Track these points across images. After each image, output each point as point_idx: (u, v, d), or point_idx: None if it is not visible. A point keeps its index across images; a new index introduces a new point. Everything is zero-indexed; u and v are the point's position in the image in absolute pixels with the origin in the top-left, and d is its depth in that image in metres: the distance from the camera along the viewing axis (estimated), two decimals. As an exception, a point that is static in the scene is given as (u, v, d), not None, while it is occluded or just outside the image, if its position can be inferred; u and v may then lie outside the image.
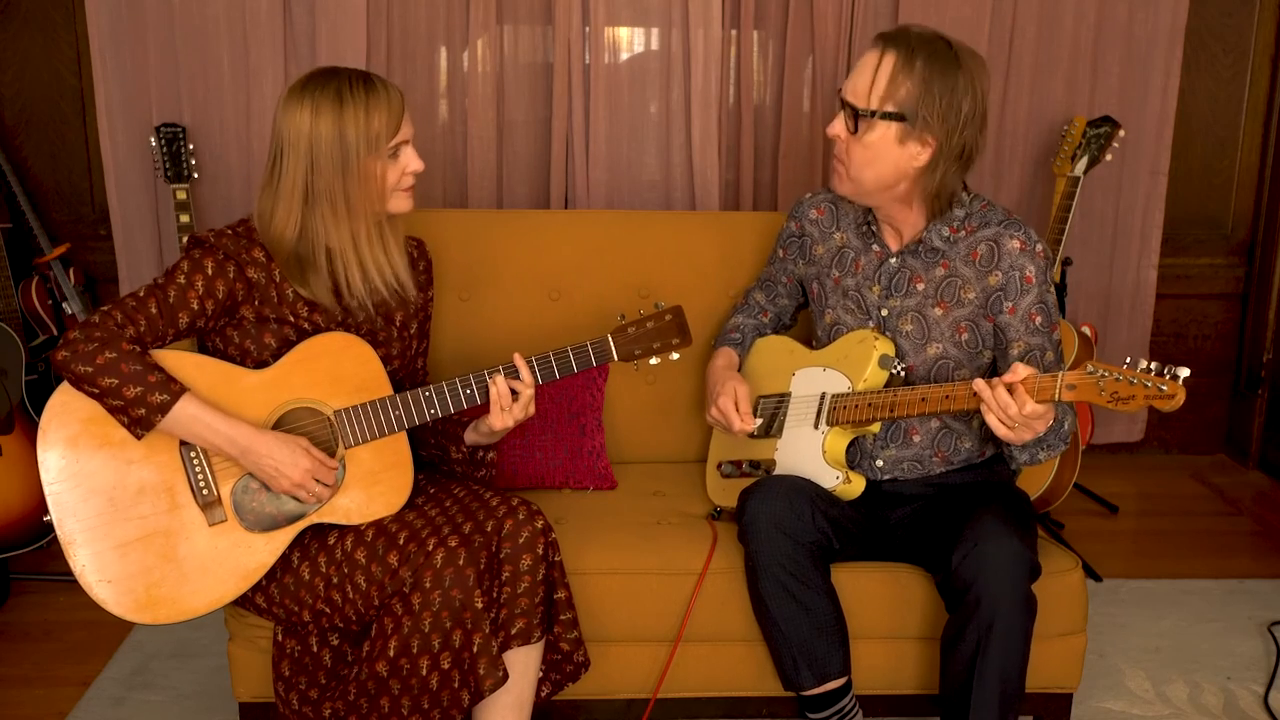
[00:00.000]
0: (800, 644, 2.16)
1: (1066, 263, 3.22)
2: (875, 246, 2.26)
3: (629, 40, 3.34)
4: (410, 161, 2.06)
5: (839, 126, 2.14)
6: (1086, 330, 3.13)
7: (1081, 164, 3.16)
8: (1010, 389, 1.94)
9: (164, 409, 1.92)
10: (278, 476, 1.99)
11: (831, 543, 2.17)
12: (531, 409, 2.12)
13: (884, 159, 2.10)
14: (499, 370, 2.10)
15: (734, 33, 3.31)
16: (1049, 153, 3.39)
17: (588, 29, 3.24)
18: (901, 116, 2.06)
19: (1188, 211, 3.72)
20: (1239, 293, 3.83)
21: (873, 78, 2.07)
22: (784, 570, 2.13)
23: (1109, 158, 3.18)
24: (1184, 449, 3.94)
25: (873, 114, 2.07)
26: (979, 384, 1.97)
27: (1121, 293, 3.59)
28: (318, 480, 2.02)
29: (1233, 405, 3.90)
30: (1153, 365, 1.82)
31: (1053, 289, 2.15)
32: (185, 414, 1.94)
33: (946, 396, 2.07)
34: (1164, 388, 1.80)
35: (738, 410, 2.27)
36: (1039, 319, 2.14)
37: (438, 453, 2.27)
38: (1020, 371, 1.94)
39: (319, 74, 2.03)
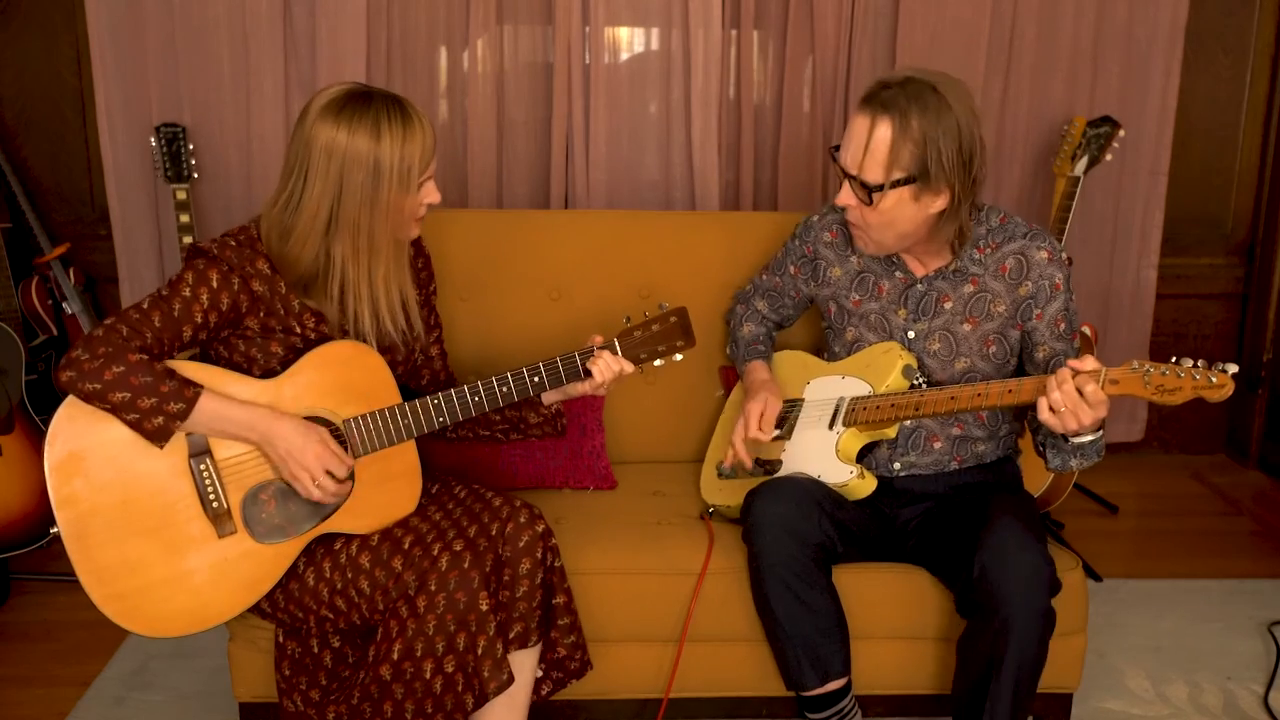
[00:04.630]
0: (804, 644, 2.16)
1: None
2: (899, 273, 2.26)
3: (629, 40, 3.34)
4: (429, 194, 2.03)
5: (849, 197, 2.11)
6: (1086, 330, 3.13)
7: (1081, 164, 3.16)
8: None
9: (182, 416, 1.90)
10: (289, 460, 1.96)
11: (835, 545, 2.18)
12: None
13: (902, 219, 2.10)
14: (593, 351, 2.12)
15: (734, 33, 3.31)
16: (1049, 153, 3.39)
17: (588, 29, 3.24)
18: (911, 179, 2.05)
19: (1188, 211, 3.72)
20: (1239, 293, 3.83)
21: (869, 148, 2.04)
22: (789, 571, 2.13)
23: (1109, 158, 3.18)
24: (1184, 449, 3.94)
25: (882, 187, 2.06)
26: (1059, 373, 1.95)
27: (1121, 293, 3.59)
28: (330, 473, 1.98)
29: (1233, 405, 3.90)
30: (1199, 362, 1.84)
31: (1074, 296, 2.17)
32: (204, 414, 1.92)
33: (979, 394, 2.07)
34: (1214, 379, 1.83)
35: (763, 417, 2.28)
36: (1063, 325, 2.16)
37: (505, 426, 2.25)
38: (1089, 362, 1.93)
39: (354, 99, 1.95)
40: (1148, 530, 3.41)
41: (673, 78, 3.29)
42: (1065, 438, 2.03)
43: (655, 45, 3.33)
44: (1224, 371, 1.83)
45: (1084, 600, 2.29)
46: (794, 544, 2.12)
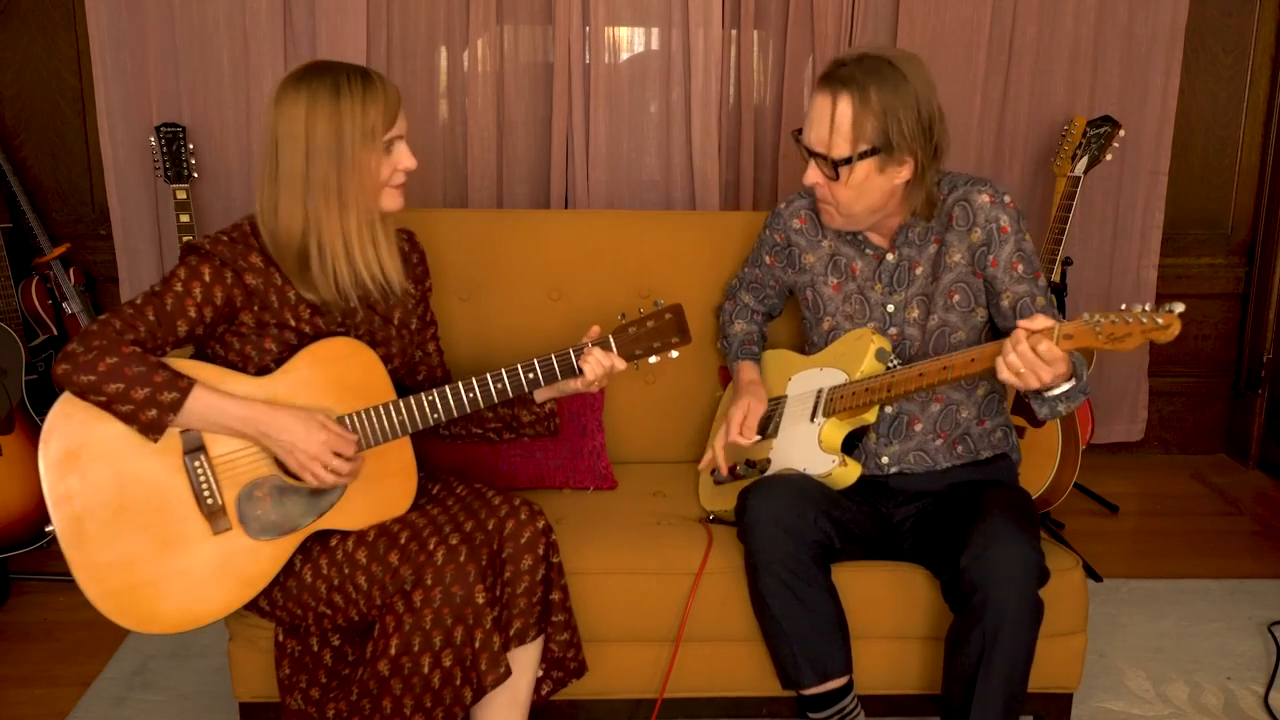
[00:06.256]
0: (801, 642, 2.16)
1: (1066, 263, 3.22)
2: (868, 250, 2.29)
3: (629, 40, 3.34)
4: (403, 158, 2.04)
5: (816, 175, 2.17)
6: (1086, 330, 3.13)
7: (1081, 164, 3.16)
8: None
9: (175, 407, 1.90)
10: (295, 450, 1.96)
11: (833, 543, 2.18)
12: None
13: (871, 190, 2.15)
14: (586, 348, 2.11)
15: (734, 33, 3.31)
16: (1049, 153, 3.39)
17: (588, 29, 3.24)
18: (876, 150, 2.10)
19: (1188, 211, 3.73)
20: (1239, 293, 3.84)
21: (834, 124, 2.10)
22: (785, 568, 2.13)
23: (1109, 158, 3.18)
24: (1184, 449, 3.94)
25: (849, 160, 2.11)
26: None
27: (1121, 293, 3.59)
28: (338, 454, 1.97)
29: (1233, 405, 3.90)
30: (1147, 305, 1.85)
31: (1029, 237, 2.19)
32: (199, 405, 1.92)
33: (944, 367, 2.09)
34: (1160, 320, 1.82)
35: (744, 423, 2.32)
36: (1020, 267, 2.17)
37: (498, 424, 2.26)
38: (1040, 321, 1.93)
39: (314, 66, 2.02)
40: (1148, 530, 3.41)
41: (673, 78, 3.29)
42: (1040, 392, 2.03)
43: (655, 45, 3.33)
44: (1170, 312, 1.82)
45: (1084, 600, 2.28)
46: (790, 541, 2.12)
